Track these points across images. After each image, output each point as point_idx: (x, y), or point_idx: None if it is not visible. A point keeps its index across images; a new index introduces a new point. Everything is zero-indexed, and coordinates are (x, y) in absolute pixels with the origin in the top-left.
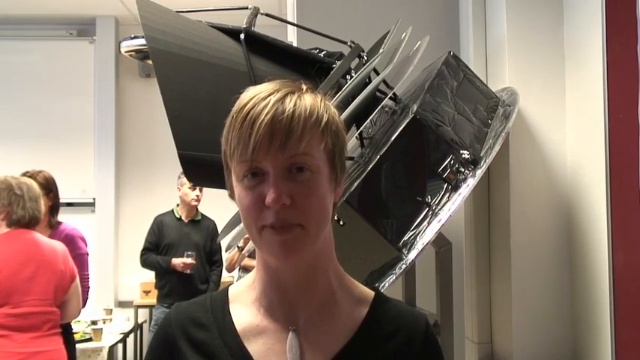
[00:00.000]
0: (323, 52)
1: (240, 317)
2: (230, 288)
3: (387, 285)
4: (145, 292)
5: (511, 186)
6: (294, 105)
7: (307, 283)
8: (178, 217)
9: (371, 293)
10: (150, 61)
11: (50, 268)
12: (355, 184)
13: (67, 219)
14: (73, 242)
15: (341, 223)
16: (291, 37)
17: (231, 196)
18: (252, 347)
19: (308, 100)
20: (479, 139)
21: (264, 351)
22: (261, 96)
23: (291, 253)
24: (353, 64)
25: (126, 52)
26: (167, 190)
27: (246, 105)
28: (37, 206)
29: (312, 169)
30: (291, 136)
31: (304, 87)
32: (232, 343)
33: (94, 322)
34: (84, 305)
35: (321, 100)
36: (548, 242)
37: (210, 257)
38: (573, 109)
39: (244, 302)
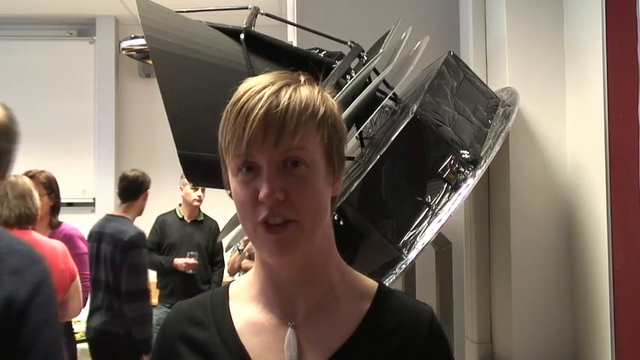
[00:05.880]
0: (323, 52)
1: (239, 314)
2: (231, 285)
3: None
4: None
5: (511, 186)
6: (289, 98)
7: (305, 279)
8: (181, 217)
9: (374, 286)
10: (150, 61)
11: (51, 270)
12: (355, 184)
13: (67, 219)
14: (72, 242)
15: (341, 223)
16: (291, 37)
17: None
18: (250, 344)
19: (304, 93)
20: (479, 139)
21: (261, 348)
22: (256, 89)
23: (286, 251)
24: (353, 64)
25: (126, 52)
26: (167, 190)
27: (241, 98)
28: (24, 203)
29: (307, 163)
30: (284, 131)
31: (302, 79)
32: (230, 341)
33: None
34: (84, 305)
35: (318, 92)
36: (548, 242)
37: (212, 257)
38: (573, 109)
39: (244, 299)
